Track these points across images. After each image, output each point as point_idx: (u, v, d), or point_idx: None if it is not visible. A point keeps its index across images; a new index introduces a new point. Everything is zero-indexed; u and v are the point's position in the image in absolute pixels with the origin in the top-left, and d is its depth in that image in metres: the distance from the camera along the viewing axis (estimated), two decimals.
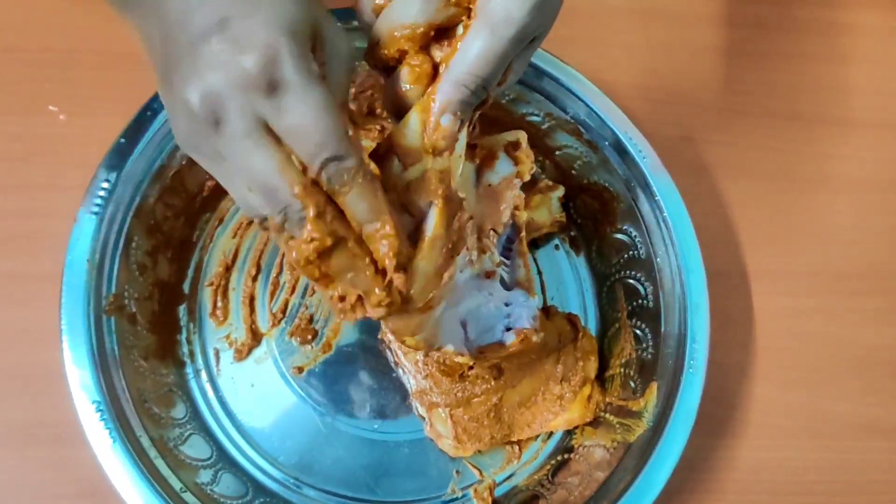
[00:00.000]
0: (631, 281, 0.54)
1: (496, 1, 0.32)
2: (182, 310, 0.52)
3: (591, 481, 0.48)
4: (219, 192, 0.53)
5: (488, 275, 0.44)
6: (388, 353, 0.53)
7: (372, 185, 0.32)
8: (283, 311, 0.53)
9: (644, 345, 0.52)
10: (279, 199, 0.31)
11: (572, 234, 0.58)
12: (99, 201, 0.46)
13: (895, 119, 0.64)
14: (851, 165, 0.63)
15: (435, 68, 0.34)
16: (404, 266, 0.35)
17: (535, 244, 0.57)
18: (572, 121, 0.52)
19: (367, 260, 0.34)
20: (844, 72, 0.65)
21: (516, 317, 0.46)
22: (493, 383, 0.51)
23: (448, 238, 0.37)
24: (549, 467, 0.52)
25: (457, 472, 0.52)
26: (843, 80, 0.65)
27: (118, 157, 0.47)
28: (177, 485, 0.44)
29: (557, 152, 0.55)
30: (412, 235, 0.37)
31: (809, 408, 0.57)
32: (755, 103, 0.63)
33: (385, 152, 0.35)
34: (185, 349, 0.52)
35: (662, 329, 0.50)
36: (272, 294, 0.53)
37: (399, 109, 0.35)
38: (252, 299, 0.53)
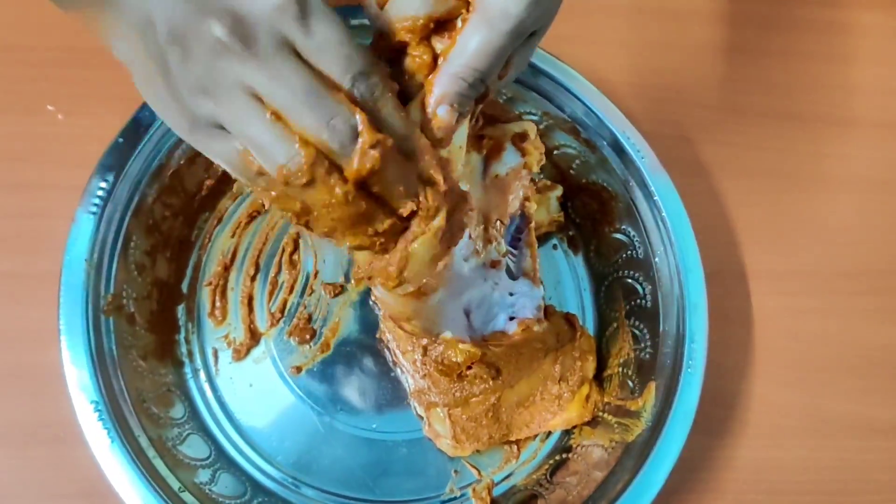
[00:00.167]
0: (629, 280, 0.54)
1: None
2: (181, 309, 0.52)
3: (590, 481, 0.48)
4: (217, 192, 0.54)
5: (494, 264, 0.45)
6: (387, 352, 0.53)
7: (397, 100, 0.33)
8: (282, 311, 0.53)
9: (642, 344, 0.52)
10: (325, 107, 0.30)
11: (570, 233, 0.58)
12: (97, 201, 0.46)
13: (894, 119, 0.64)
14: (851, 165, 0.63)
15: (435, 60, 0.35)
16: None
17: None
18: (570, 120, 0.52)
19: (413, 164, 0.34)
20: (844, 71, 0.65)
21: (520, 306, 0.46)
22: (491, 383, 0.51)
23: (448, 229, 0.37)
24: (547, 467, 0.52)
25: (455, 471, 0.52)
26: (842, 80, 0.65)
27: (116, 156, 0.47)
28: (175, 484, 0.44)
29: (555, 152, 0.55)
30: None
31: (808, 407, 0.57)
32: (754, 102, 0.63)
33: None
34: (184, 349, 0.52)
35: (661, 329, 0.50)
36: (271, 294, 0.53)
37: (402, 101, 0.36)
38: (251, 299, 0.53)
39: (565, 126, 0.53)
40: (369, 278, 0.38)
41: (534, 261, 0.46)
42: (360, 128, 0.31)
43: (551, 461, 0.52)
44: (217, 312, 0.53)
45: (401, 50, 0.35)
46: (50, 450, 0.48)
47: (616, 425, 0.50)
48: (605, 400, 0.52)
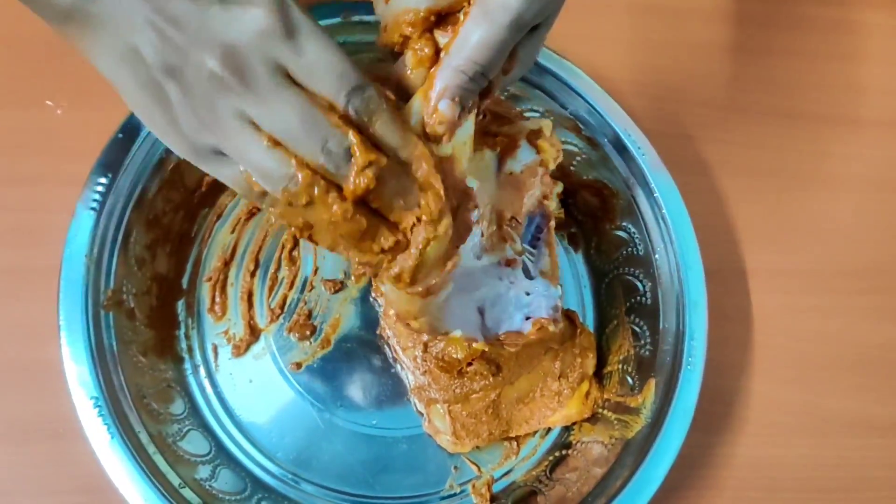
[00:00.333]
0: (629, 278, 0.54)
1: None
2: (180, 305, 0.52)
3: (589, 477, 0.48)
4: (217, 187, 0.53)
5: (509, 263, 0.44)
6: (387, 348, 0.53)
7: (394, 111, 0.33)
8: (282, 307, 0.53)
9: (642, 341, 0.52)
10: (319, 132, 0.31)
11: (571, 230, 0.58)
12: (97, 196, 0.46)
13: (894, 117, 0.64)
14: (851, 164, 0.63)
15: (437, 53, 0.35)
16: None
17: None
18: (572, 117, 0.52)
19: (411, 177, 0.34)
20: (846, 70, 0.65)
21: (536, 306, 0.46)
22: (491, 380, 0.51)
23: (454, 229, 0.37)
24: (546, 463, 0.52)
25: (455, 467, 0.52)
26: (844, 78, 0.65)
27: (116, 151, 0.47)
28: (175, 480, 0.44)
29: None
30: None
31: (807, 405, 0.57)
32: (755, 101, 0.63)
33: None
34: (184, 344, 0.52)
35: (661, 326, 0.50)
36: (271, 290, 0.53)
37: (404, 94, 0.36)
38: (250, 295, 0.53)
39: (567, 123, 0.53)
40: (375, 275, 0.38)
41: (553, 261, 0.46)
42: (353, 149, 0.31)
43: (551, 457, 0.52)
44: (217, 308, 0.52)
45: (403, 44, 0.35)
46: (50, 446, 0.48)
47: (616, 422, 0.50)
48: (605, 396, 0.52)
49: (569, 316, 0.53)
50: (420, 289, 0.38)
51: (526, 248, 0.45)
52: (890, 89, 0.65)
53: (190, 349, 0.52)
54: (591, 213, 0.56)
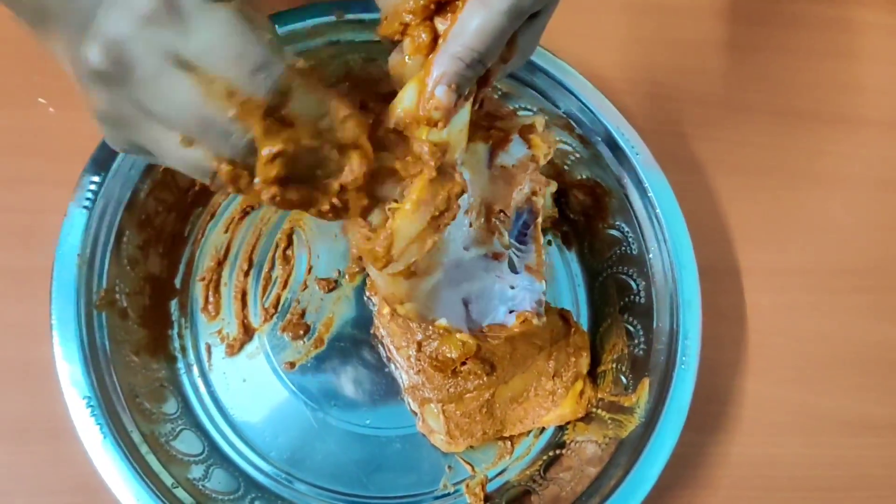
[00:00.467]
0: (623, 277, 0.54)
1: None
2: (173, 304, 0.52)
3: (583, 477, 0.48)
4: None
5: (496, 256, 0.44)
6: (381, 348, 0.53)
7: (309, 79, 0.31)
8: (276, 307, 0.53)
9: (636, 341, 0.52)
10: (217, 130, 0.29)
11: (564, 229, 0.58)
12: (89, 195, 0.46)
13: (890, 116, 0.64)
14: (846, 162, 0.63)
15: (435, 40, 0.35)
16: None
17: None
18: (565, 116, 0.52)
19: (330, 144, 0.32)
20: (840, 68, 0.65)
21: (520, 300, 0.46)
22: (485, 379, 0.51)
23: (433, 205, 0.37)
24: (540, 463, 0.52)
25: (449, 467, 0.52)
26: (838, 77, 0.65)
27: (109, 150, 0.47)
28: (168, 480, 0.44)
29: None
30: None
31: (801, 404, 0.57)
32: (749, 99, 0.63)
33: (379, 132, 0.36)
34: (177, 344, 0.52)
35: (654, 325, 0.50)
36: (264, 289, 0.53)
37: (403, 82, 0.36)
38: (244, 294, 0.53)
39: (560, 122, 0.53)
40: (360, 258, 0.38)
41: (539, 256, 0.46)
42: (260, 145, 0.30)
43: (545, 457, 0.52)
44: (210, 307, 0.52)
45: (402, 32, 0.35)
46: (42, 445, 0.48)
47: (610, 421, 0.50)
48: (599, 396, 0.52)
49: (563, 315, 0.53)
50: (400, 268, 0.38)
51: (513, 244, 0.45)
52: (885, 88, 0.65)
53: (183, 349, 0.52)
54: (585, 211, 0.56)
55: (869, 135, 0.64)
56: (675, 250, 0.50)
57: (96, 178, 0.46)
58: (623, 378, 0.51)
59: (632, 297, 0.53)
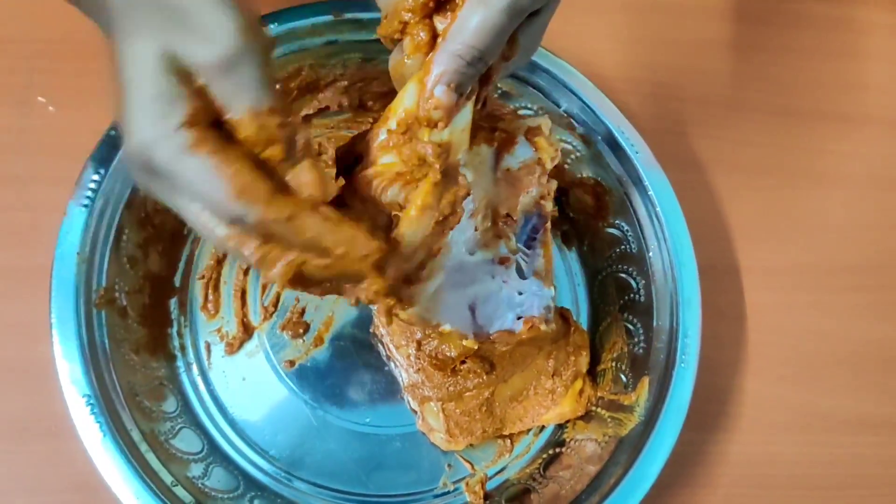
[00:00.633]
0: (623, 275, 0.54)
1: None
2: (173, 303, 0.52)
3: (583, 475, 0.48)
4: None
5: (503, 261, 0.44)
6: (381, 346, 0.53)
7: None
8: (275, 305, 0.53)
9: (636, 339, 0.52)
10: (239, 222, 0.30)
11: (564, 228, 0.58)
12: (89, 194, 0.46)
13: (891, 116, 0.64)
14: (846, 161, 0.63)
15: (435, 39, 0.34)
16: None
17: None
18: (565, 115, 0.52)
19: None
20: (841, 67, 0.65)
21: (528, 305, 0.46)
22: (484, 377, 0.51)
23: (437, 210, 0.37)
24: (540, 461, 0.52)
25: (448, 465, 0.52)
26: (839, 76, 0.65)
27: (108, 148, 0.47)
28: (168, 478, 0.44)
29: None
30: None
31: (800, 402, 0.57)
32: (750, 98, 0.63)
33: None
34: (176, 342, 0.51)
35: (654, 323, 0.50)
36: (264, 288, 0.53)
37: (403, 82, 0.35)
38: (244, 293, 0.53)
39: (561, 121, 0.53)
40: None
41: (547, 261, 0.46)
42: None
43: (545, 455, 0.52)
44: (210, 306, 0.52)
45: (402, 31, 0.35)
46: (42, 444, 0.48)
47: (609, 420, 0.50)
48: (599, 394, 0.52)
49: (562, 314, 0.53)
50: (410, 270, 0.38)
51: (520, 248, 0.45)
52: (886, 87, 0.65)
53: (182, 347, 0.51)
54: (585, 210, 0.56)
55: (869, 134, 0.64)
56: (674, 249, 0.50)
57: (96, 177, 0.46)
58: (623, 376, 0.51)
59: (631, 295, 0.53)
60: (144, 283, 0.50)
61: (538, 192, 0.46)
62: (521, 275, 0.46)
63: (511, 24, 0.33)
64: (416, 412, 0.52)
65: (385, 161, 0.35)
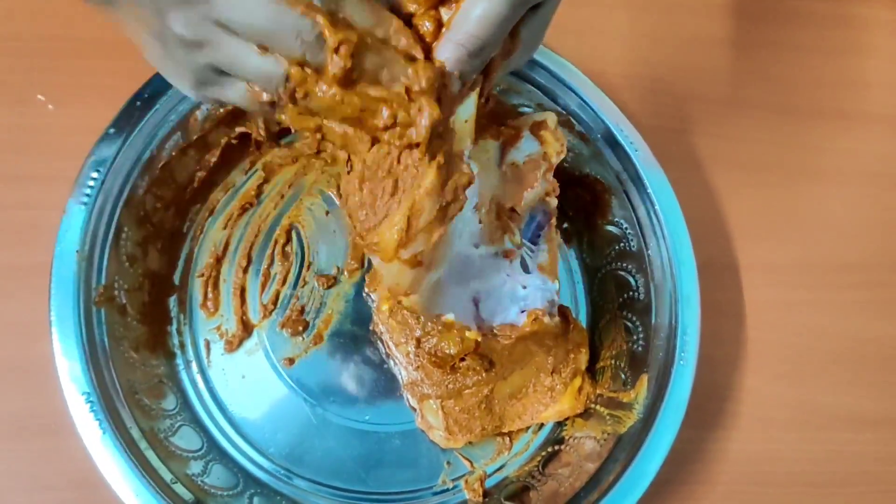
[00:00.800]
0: (622, 273, 0.54)
1: None
2: (172, 301, 0.52)
3: (582, 472, 0.48)
4: (209, 183, 0.53)
5: (507, 255, 0.44)
6: (380, 344, 0.53)
7: None
8: (274, 303, 0.53)
9: (635, 337, 0.52)
10: (288, 24, 0.31)
11: (564, 226, 0.58)
12: (88, 192, 0.46)
13: (890, 113, 0.64)
14: (845, 158, 0.63)
15: (439, 29, 0.35)
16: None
17: None
18: (564, 112, 0.52)
19: (393, 50, 0.34)
20: (840, 65, 0.65)
21: (532, 299, 0.46)
22: (484, 375, 0.51)
23: (441, 195, 0.37)
24: (539, 458, 0.52)
25: (448, 463, 0.52)
26: (838, 73, 0.65)
27: (107, 147, 0.47)
28: (167, 476, 0.44)
29: None
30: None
31: (799, 399, 0.57)
32: (749, 95, 0.63)
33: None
34: (176, 340, 0.52)
35: (653, 321, 0.50)
36: (263, 285, 0.53)
37: None
38: (243, 290, 0.53)
39: (560, 119, 0.53)
40: (362, 237, 0.38)
41: (552, 256, 0.46)
42: (323, 33, 0.31)
43: (544, 453, 0.52)
44: (209, 304, 0.52)
45: (409, 21, 0.35)
46: (42, 441, 0.48)
47: (608, 417, 0.50)
48: (598, 392, 0.52)
49: (562, 311, 0.53)
50: (406, 256, 0.38)
51: (525, 244, 0.45)
52: (885, 85, 0.65)
53: (182, 345, 0.52)
54: (584, 208, 0.56)
55: (869, 132, 0.64)
56: (673, 247, 0.50)
57: (95, 175, 0.46)
58: (622, 374, 0.51)
59: (631, 293, 0.53)
60: (144, 281, 0.50)
61: (544, 188, 0.46)
62: (526, 269, 0.46)
63: (514, 15, 0.33)
64: (415, 410, 0.52)
65: None
